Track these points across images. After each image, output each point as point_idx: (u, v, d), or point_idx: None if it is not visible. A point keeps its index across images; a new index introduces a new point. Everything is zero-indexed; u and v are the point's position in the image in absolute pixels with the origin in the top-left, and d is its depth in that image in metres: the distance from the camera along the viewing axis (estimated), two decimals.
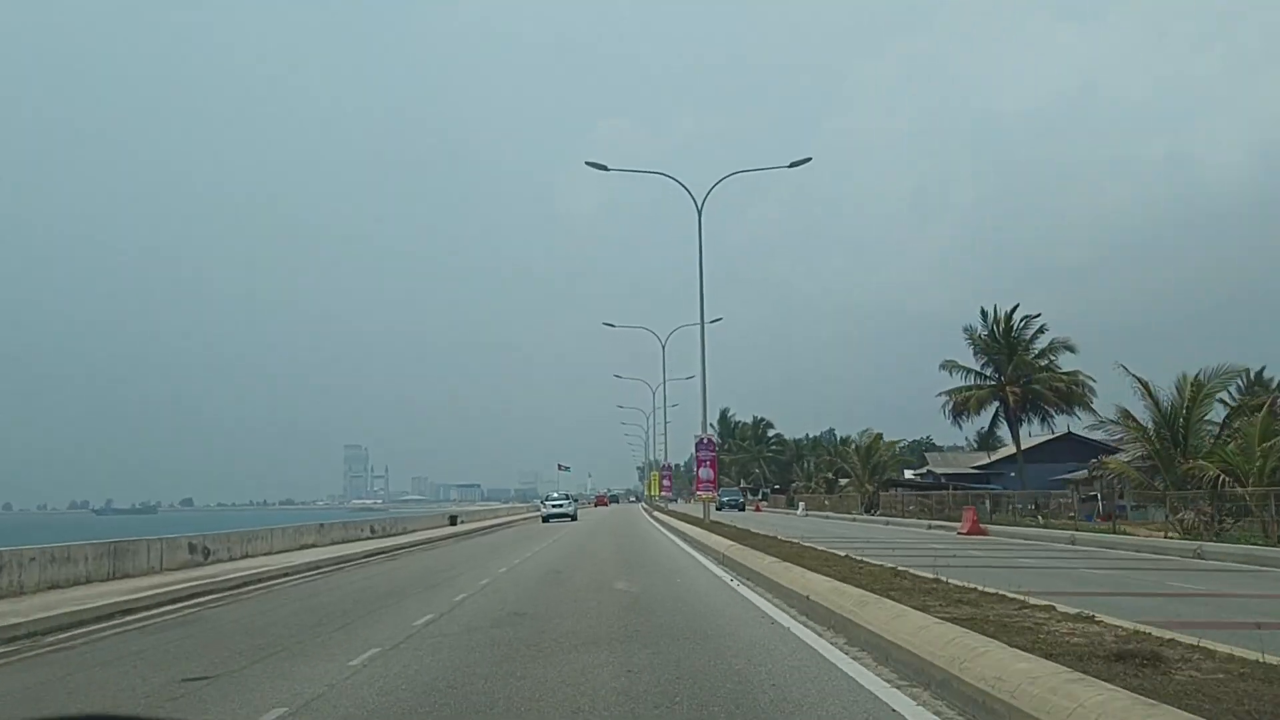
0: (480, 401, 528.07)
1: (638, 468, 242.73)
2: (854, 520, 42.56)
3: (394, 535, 30.61)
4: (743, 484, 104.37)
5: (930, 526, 33.95)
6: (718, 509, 34.27)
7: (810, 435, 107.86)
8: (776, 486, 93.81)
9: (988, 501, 36.51)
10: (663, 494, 70.67)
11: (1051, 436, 54.59)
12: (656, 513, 52.56)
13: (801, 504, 53.92)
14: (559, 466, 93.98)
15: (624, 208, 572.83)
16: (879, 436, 51.38)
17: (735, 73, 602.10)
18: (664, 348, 59.96)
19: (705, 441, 33.29)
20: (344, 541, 26.28)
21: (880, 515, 44.87)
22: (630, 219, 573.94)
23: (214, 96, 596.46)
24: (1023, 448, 48.16)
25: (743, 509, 59.96)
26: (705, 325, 31.84)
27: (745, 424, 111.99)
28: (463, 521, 43.25)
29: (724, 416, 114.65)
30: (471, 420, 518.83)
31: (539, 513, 55.58)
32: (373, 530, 29.78)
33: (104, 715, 1.63)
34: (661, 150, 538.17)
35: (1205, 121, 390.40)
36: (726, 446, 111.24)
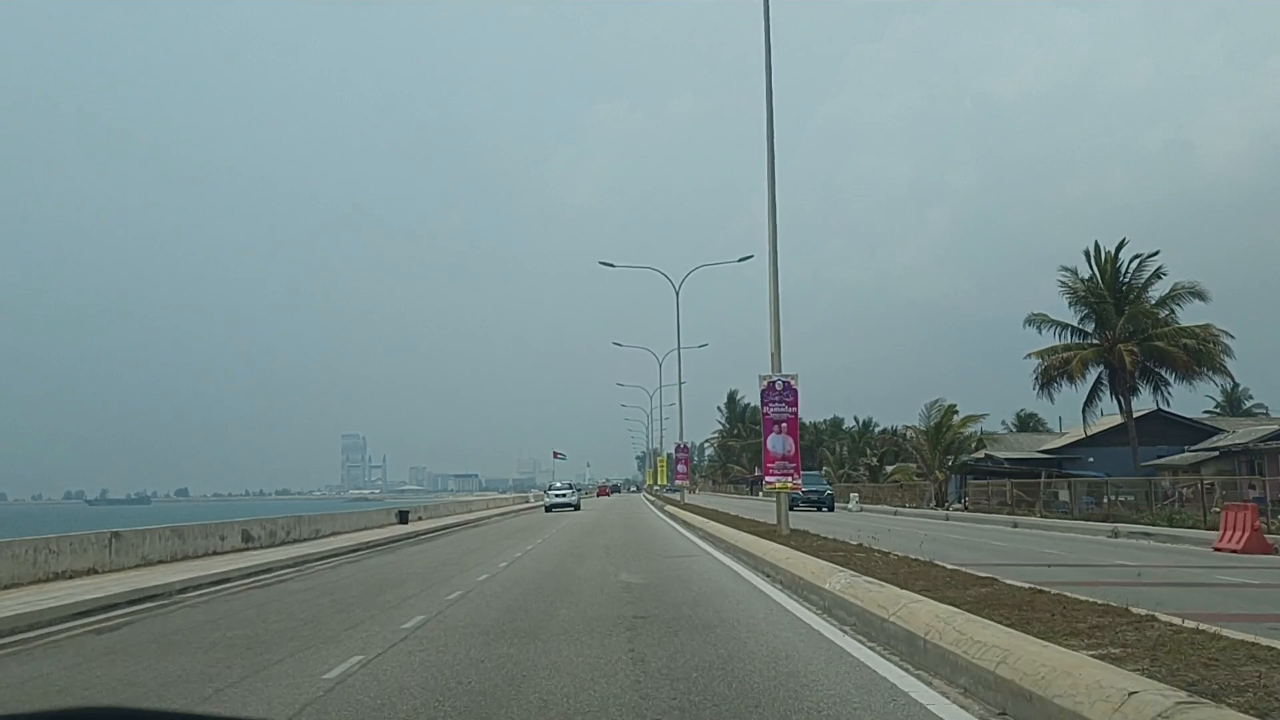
0: (479, 391, 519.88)
1: (637, 457, 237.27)
2: (946, 519, 32.23)
3: (289, 544, 20.92)
4: (756, 472, 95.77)
5: (1116, 533, 22.67)
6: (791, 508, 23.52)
7: (828, 419, 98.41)
8: None
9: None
10: (678, 479, 58.49)
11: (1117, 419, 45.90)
12: (669, 506, 41.76)
13: (855, 496, 43.55)
14: (554, 454, 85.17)
15: (623, 195, 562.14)
16: (950, 410, 40.03)
17: (732, 54, 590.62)
18: (678, 291, 50.94)
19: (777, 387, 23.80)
20: (160, 562, 16.14)
21: (953, 509, 35.24)
22: (629, 205, 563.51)
23: (212, 77, 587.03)
24: (1090, 431, 38.85)
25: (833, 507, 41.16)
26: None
27: (754, 407, 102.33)
28: (421, 518, 33.83)
29: (732, 399, 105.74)
30: (470, 410, 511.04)
31: (529, 504, 51.97)
32: (247, 538, 19.71)
33: (108, 709, 0.79)
34: (660, 133, 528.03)
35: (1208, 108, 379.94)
36: (735, 432, 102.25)
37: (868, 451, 64.09)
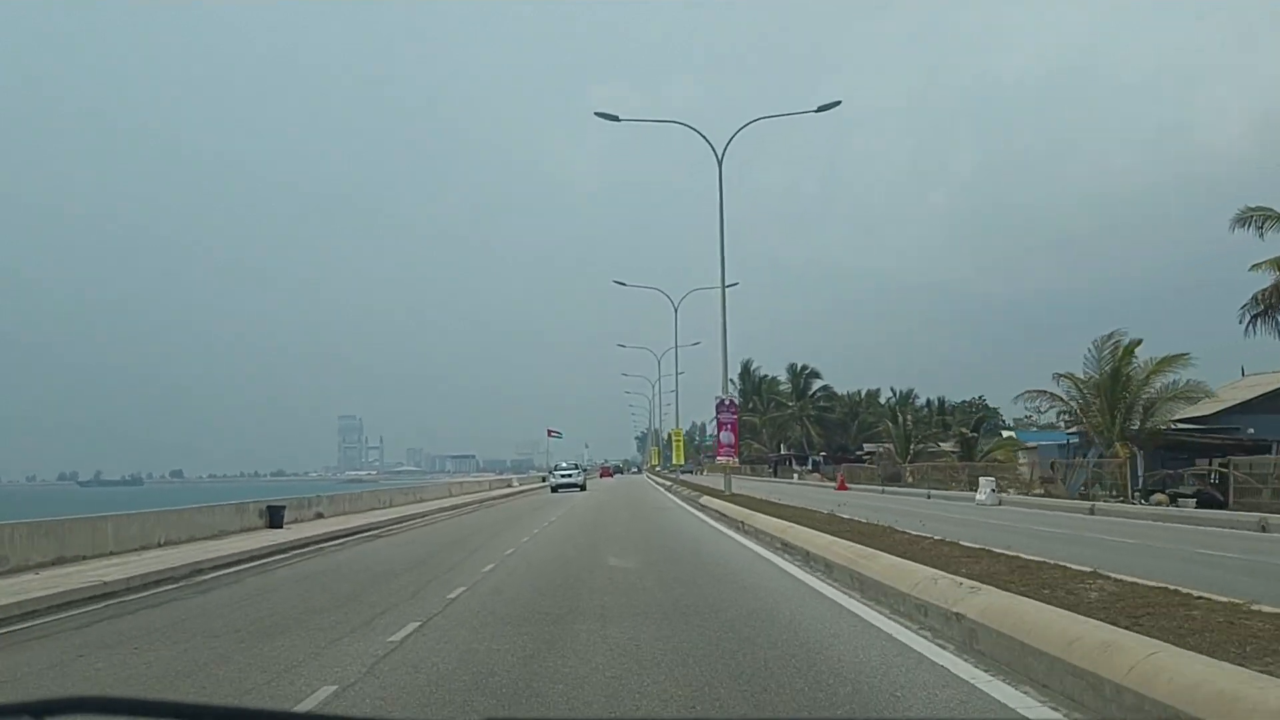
0: (477, 372, 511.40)
1: (636, 437, 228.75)
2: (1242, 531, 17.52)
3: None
4: (783, 450, 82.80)
5: None
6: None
7: (863, 390, 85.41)
8: (824, 454, 72.64)
9: None
10: (720, 455, 37.97)
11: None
12: (712, 500, 28.33)
13: (988, 483, 28.19)
14: (549, 432, 74.98)
15: (621, 178, 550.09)
16: (1130, 349, 26.70)
17: (732, 34, 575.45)
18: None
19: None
20: None
21: (1157, 501, 22.79)
22: (628, 186, 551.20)
23: (197, 64, 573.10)
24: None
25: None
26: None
27: (776, 378, 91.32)
28: (321, 513, 22.31)
29: (746, 370, 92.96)
30: (468, 392, 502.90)
31: (512, 489, 50.06)
32: None
33: (95, 697, 1.20)
34: (655, 112, 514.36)
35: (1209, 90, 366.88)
36: (751, 406, 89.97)
37: (945, 423, 52.28)
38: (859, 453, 66.03)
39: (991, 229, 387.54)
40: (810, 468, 68.01)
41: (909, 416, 55.26)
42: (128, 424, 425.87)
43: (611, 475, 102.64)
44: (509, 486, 51.65)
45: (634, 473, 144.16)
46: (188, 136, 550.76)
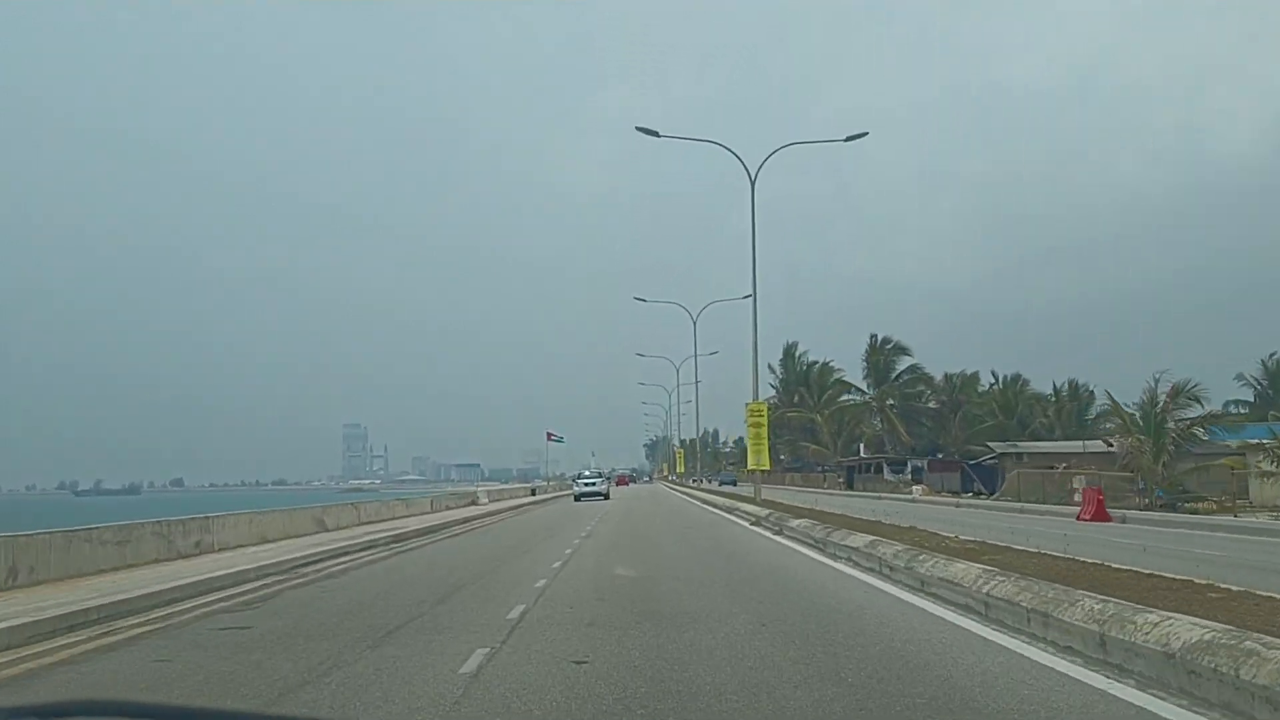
0: (483, 381, 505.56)
1: (645, 445, 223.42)
2: None
3: None
4: (861, 452, 63.94)
5: None
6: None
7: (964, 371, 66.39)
8: (927, 459, 55.92)
9: None
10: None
11: None
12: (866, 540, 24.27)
13: None
14: (548, 435, 69.43)
15: (623, 185, 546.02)
16: None
17: (741, 39, 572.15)
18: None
19: None
20: None
21: None
22: (631, 194, 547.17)
23: (201, 74, 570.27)
24: None
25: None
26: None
27: (825, 364, 74.51)
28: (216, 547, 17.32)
29: (790, 355, 77.29)
30: (474, 400, 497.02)
31: (477, 510, 46.99)
32: None
33: (108, 701, 1.29)
34: (665, 119, 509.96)
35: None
36: (797, 399, 73.32)
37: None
38: (984, 458, 47.94)
39: (996, 235, 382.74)
40: (909, 474, 52.51)
41: (1049, 409, 46.19)
42: (130, 433, 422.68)
43: (628, 483, 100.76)
44: (470, 506, 45.60)
45: (645, 481, 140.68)
46: (193, 146, 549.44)
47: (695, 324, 57.56)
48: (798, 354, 77.41)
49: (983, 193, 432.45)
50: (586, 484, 49.26)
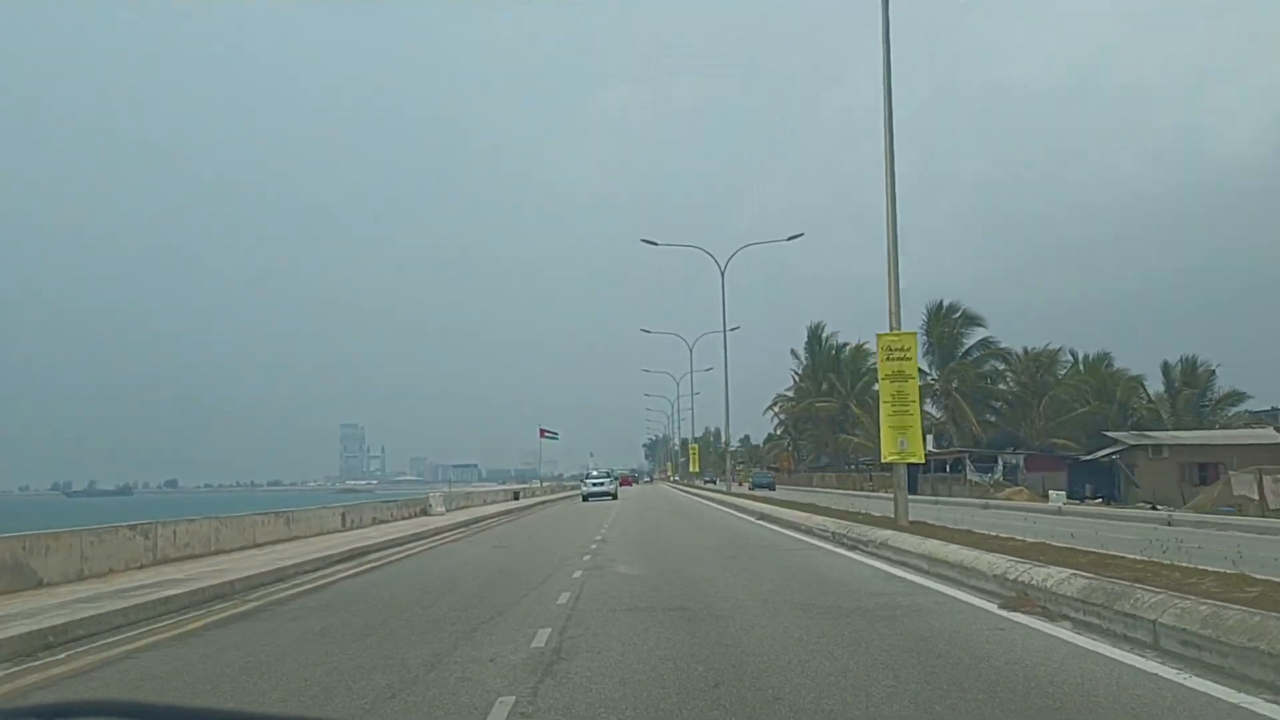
0: (481, 381, 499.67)
1: (644, 444, 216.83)
2: None
3: None
4: (932, 449, 44.16)
5: None
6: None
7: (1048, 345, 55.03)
8: (1021, 453, 44.23)
9: None
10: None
11: None
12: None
13: None
14: (541, 432, 61.63)
15: (618, 187, 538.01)
16: None
17: (739, 40, 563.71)
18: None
19: None
20: None
21: None
22: (630, 194, 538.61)
23: (201, 74, 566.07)
24: None
25: None
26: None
27: (858, 346, 64.76)
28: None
29: (815, 337, 68.16)
30: (472, 400, 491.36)
31: (501, 507, 42.33)
32: None
33: (110, 701, 1.33)
34: (665, 119, 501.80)
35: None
36: (825, 388, 63.81)
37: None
38: (1102, 452, 38.52)
39: (996, 235, 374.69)
40: (998, 474, 41.91)
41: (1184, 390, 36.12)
42: (129, 434, 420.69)
43: (632, 484, 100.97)
44: (471, 500, 37.55)
45: (645, 481, 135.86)
46: (193, 146, 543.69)
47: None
48: (824, 335, 67.95)
49: (982, 193, 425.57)
50: (595, 484, 49.85)
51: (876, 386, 55.26)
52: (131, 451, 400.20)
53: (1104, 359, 49.20)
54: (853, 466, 60.06)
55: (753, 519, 23.15)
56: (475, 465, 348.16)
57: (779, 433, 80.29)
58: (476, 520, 25.48)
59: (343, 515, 21.18)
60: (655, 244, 39.34)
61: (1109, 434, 37.41)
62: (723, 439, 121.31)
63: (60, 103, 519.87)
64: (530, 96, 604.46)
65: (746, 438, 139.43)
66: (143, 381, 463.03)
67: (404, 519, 25.28)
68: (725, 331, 46.05)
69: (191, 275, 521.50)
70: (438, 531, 20.90)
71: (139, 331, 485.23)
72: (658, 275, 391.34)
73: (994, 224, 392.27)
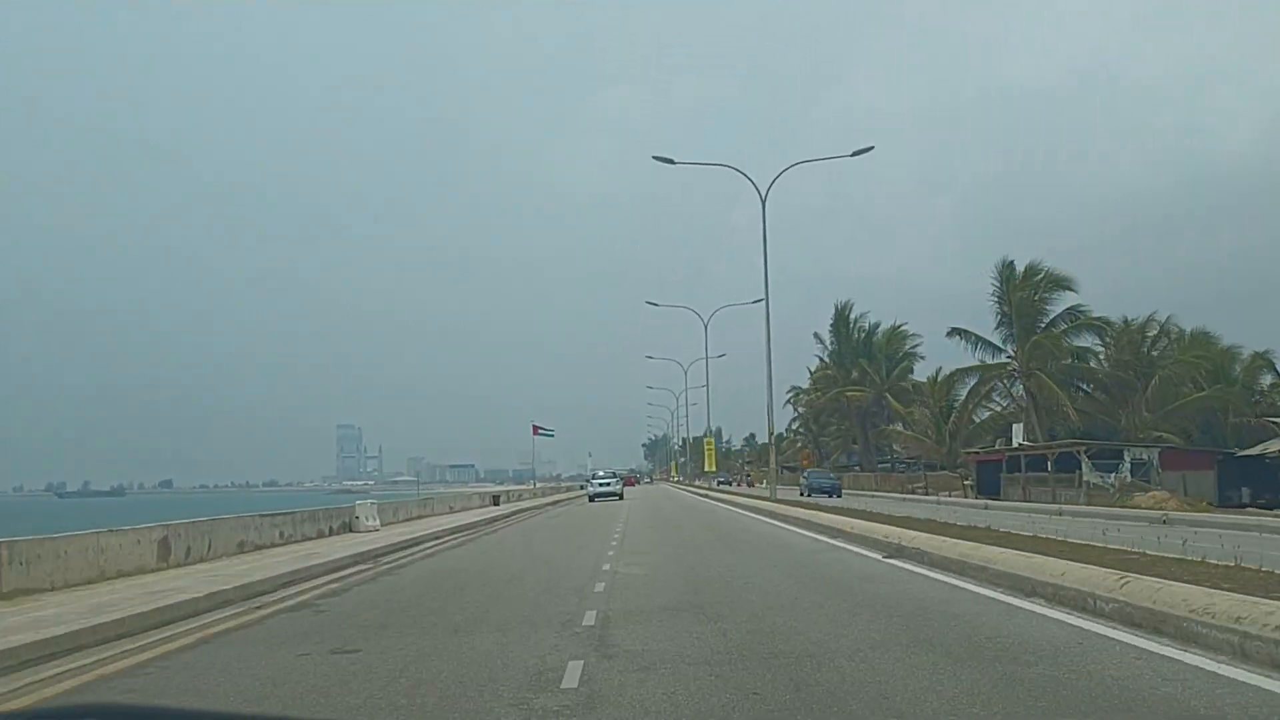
0: (479, 382, 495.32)
1: (643, 444, 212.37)
2: None
3: None
4: (1024, 442, 39.07)
5: None
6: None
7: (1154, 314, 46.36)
8: (1158, 449, 34.71)
9: None
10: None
11: None
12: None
13: None
14: (535, 428, 57.25)
15: (618, 187, 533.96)
16: None
17: (740, 38, 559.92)
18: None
19: None
20: None
21: None
22: (630, 194, 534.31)
23: (201, 74, 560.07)
24: None
25: None
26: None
27: (897, 328, 58.23)
28: None
29: (842, 318, 60.63)
30: (470, 401, 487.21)
31: (474, 517, 38.03)
32: None
33: (109, 705, 1.69)
34: (665, 119, 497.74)
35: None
36: (855, 376, 56.87)
37: None
38: (1239, 450, 32.44)
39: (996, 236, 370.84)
40: (1126, 473, 33.42)
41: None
42: (128, 434, 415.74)
43: (636, 484, 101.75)
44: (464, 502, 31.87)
45: (646, 482, 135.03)
46: (193, 146, 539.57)
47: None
48: (852, 317, 60.19)
49: (982, 193, 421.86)
50: (601, 484, 50.40)
51: (1003, 352, 43.90)
52: (130, 452, 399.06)
53: (1205, 334, 42.08)
54: (889, 465, 53.64)
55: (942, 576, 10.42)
56: (472, 465, 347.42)
57: (795, 428, 72.99)
58: (416, 541, 18.89)
59: (164, 541, 13.16)
60: (672, 162, 34.07)
61: (1273, 420, 30.89)
62: (767, 427, 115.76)
63: (60, 103, 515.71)
64: (530, 96, 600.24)
65: (751, 436, 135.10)
66: (141, 381, 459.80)
67: (309, 539, 19.10)
68: (766, 277, 32.65)
69: (191, 275, 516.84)
70: (337, 567, 13.75)
71: (138, 331, 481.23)
72: (657, 275, 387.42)
73: (994, 224, 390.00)
